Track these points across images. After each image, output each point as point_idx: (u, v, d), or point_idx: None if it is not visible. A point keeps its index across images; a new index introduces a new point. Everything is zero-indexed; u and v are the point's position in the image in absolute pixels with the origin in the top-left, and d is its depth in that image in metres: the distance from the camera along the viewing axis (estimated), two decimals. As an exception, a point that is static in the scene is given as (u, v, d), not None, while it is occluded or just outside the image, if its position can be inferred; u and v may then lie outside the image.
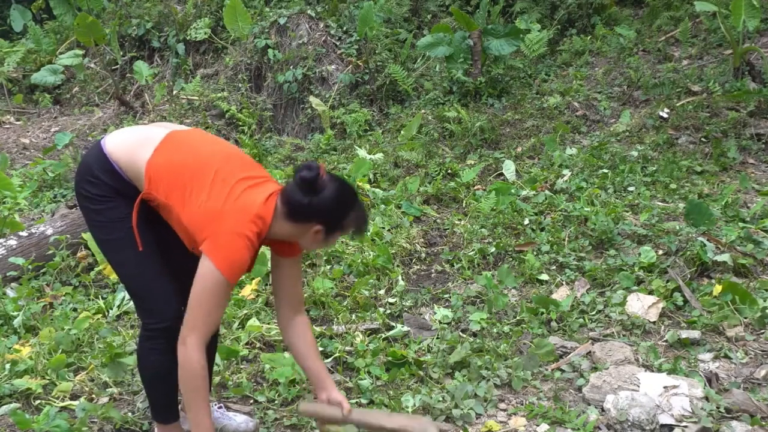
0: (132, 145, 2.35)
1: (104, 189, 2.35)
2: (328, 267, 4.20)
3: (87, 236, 4.33)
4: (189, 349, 2.22)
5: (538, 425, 2.79)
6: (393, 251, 4.37)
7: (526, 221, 4.75)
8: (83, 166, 2.39)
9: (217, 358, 3.22)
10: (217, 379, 3.13)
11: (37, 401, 2.98)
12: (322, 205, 2.28)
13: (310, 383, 2.62)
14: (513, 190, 5.17)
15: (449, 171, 5.77)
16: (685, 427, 2.66)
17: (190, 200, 2.26)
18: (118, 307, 3.83)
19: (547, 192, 5.17)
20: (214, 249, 2.20)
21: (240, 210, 2.24)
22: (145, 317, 2.43)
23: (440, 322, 3.65)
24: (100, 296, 4.01)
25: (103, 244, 2.44)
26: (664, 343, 3.37)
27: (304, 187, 2.26)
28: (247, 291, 3.93)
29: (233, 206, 2.24)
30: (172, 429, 2.57)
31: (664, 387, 2.82)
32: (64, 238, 4.25)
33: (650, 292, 3.75)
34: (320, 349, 3.34)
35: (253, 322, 3.54)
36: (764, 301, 3.60)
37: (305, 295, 3.83)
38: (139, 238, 2.34)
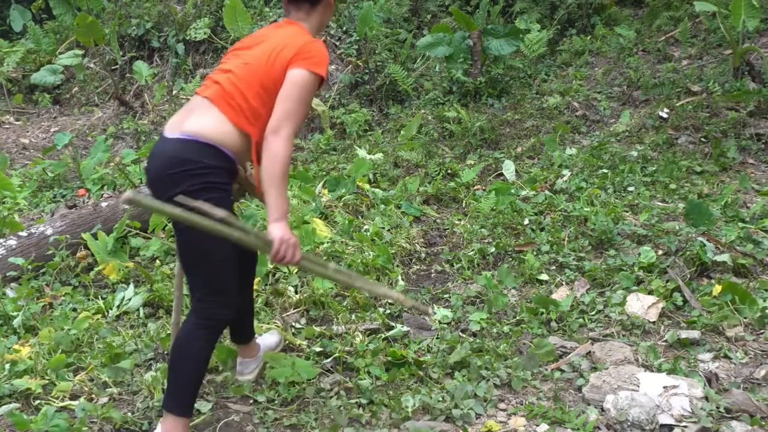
0: (210, 120, 2.49)
1: (224, 174, 2.48)
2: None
3: (87, 236, 4.33)
4: (283, 138, 2.40)
5: (537, 425, 2.79)
6: (393, 251, 4.37)
7: (526, 221, 4.75)
8: (192, 162, 2.41)
9: (216, 359, 3.23)
10: (219, 378, 3.13)
11: (37, 401, 2.97)
12: None
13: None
14: (513, 190, 5.17)
15: (449, 171, 5.77)
16: (685, 427, 2.66)
17: (267, 64, 2.52)
18: (118, 307, 3.83)
19: (546, 192, 5.17)
20: (302, 62, 2.49)
21: (292, 35, 2.58)
22: (216, 308, 2.51)
23: (440, 322, 3.65)
24: (99, 296, 4.01)
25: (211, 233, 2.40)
26: (663, 343, 3.37)
27: None
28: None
29: (287, 39, 2.56)
30: (182, 424, 2.54)
31: (664, 387, 2.82)
32: (63, 238, 4.25)
33: (650, 292, 3.75)
34: (320, 349, 3.34)
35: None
36: (764, 301, 3.59)
37: (305, 295, 3.84)
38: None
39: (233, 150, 2.48)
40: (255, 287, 3.91)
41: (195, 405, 2.70)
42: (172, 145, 2.45)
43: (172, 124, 2.52)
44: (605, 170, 5.52)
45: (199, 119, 2.49)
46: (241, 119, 2.48)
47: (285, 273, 4.15)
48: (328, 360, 3.28)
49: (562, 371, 3.16)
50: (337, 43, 7.58)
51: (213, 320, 2.49)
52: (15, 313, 3.66)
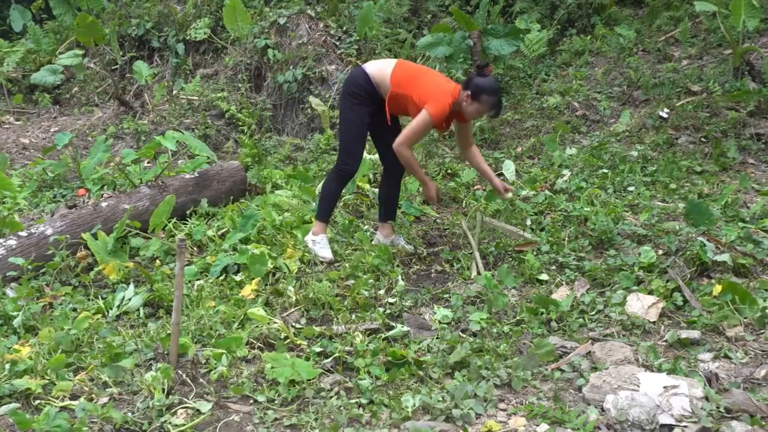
0: (380, 69, 4.21)
1: (362, 91, 4.22)
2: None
3: (87, 236, 4.34)
4: (407, 150, 4.14)
5: (538, 425, 2.79)
6: (393, 251, 4.37)
7: (527, 221, 4.75)
8: (353, 78, 4.29)
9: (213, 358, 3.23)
10: (214, 376, 3.14)
11: (37, 401, 2.97)
12: (473, 81, 4.07)
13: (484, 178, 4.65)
14: (513, 190, 5.17)
15: (449, 171, 5.77)
16: (685, 427, 2.66)
17: (418, 88, 4.10)
18: (118, 307, 3.83)
19: (547, 192, 5.17)
20: (431, 106, 4.03)
21: (445, 91, 4.10)
22: (342, 160, 4.33)
23: (440, 322, 3.65)
24: (99, 296, 4.01)
25: (346, 120, 4.30)
26: (664, 343, 3.37)
27: (477, 70, 4.13)
28: (247, 291, 3.93)
29: (441, 89, 4.11)
30: (322, 226, 4.37)
31: (664, 387, 2.82)
32: (63, 238, 4.25)
33: (650, 292, 3.75)
34: (320, 349, 3.34)
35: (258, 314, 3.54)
36: (764, 301, 3.59)
37: (309, 294, 3.84)
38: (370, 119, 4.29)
39: (376, 82, 4.19)
40: (255, 287, 3.93)
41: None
42: (355, 71, 4.32)
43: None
44: (605, 170, 5.53)
45: (374, 65, 4.29)
46: (395, 80, 4.15)
47: (285, 273, 4.15)
48: (328, 360, 3.28)
49: (562, 371, 3.16)
50: (337, 43, 7.58)
51: (340, 169, 4.35)
52: (15, 313, 3.66)
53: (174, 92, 7.80)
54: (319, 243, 4.32)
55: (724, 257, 3.92)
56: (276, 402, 2.98)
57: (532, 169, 5.71)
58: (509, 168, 5.67)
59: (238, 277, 4.11)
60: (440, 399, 2.91)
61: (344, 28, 7.70)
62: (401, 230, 4.67)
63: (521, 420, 2.82)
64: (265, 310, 3.70)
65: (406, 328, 3.53)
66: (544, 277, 4.08)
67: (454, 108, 4.10)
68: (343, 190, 5.23)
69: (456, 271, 4.27)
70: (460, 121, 4.31)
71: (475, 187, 5.51)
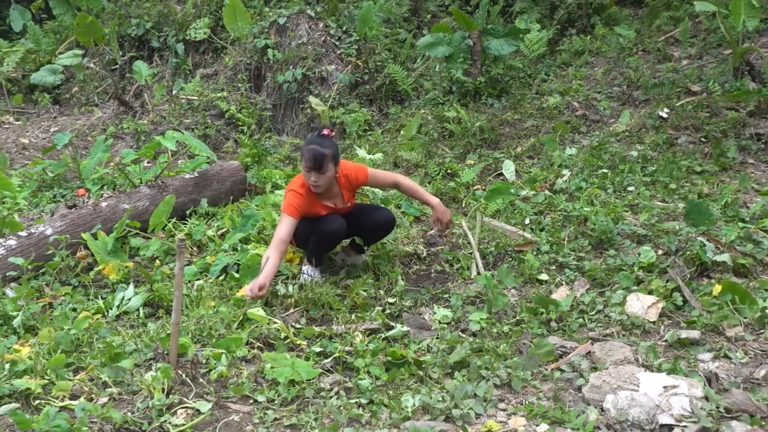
0: None
1: None
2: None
3: (86, 236, 4.34)
4: (272, 253, 3.75)
5: (537, 425, 2.79)
6: (392, 251, 4.37)
7: (526, 221, 4.75)
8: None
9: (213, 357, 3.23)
10: (214, 376, 3.14)
11: (37, 401, 2.97)
12: None
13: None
14: (513, 190, 5.17)
15: (449, 171, 5.77)
16: (685, 427, 2.66)
17: None
18: (118, 307, 3.83)
19: (546, 192, 5.17)
20: (282, 204, 3.95)
21: (295, 180, 4.00)
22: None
23: (440, 322, 3.65)
24: (99, 296, 4.01)
25: None
26: (663, 343, 3.37)
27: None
28: (246, 291, 3.92)
29: (295, 180, 4.01)
30: (314, 267, 4.12)
31: (664, 387, 2.82)
32: (63, 238, 4.25)
33: (650, 292, 3.75)
34: (320, 349, 3.34)
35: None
36: (764, 301, 3.59)
37: (310, 296, 3.85)
38: None
39: None
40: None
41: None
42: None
43: None
44: (605, 170, 5.52)
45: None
46: None
47: (286, 274, 4.15)
48: (328, 360, 3.28)
49: (562, 371, 3.16)
50: (337, 43, 7.58)
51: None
52: (15, 313, 3.66)
53: (174, 92, 7.80)
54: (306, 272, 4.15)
55: (724, 257, 3.92)
56: (276, 402, 2.98)
57: (531, 169, 5.71)
58: (509, 168, 5.67)
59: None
60: (440, 399, 2.91)
61: (344, 28, 7.70)
62: (400, 230, 4.66)
63: (521, 420, 2.82)
64: (265, 310, 3.70)
65: (405, 328, 3.53)
66: (544, 277, 4.08)
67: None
68: None
69: (456, 271, 4.27)
70: (358, 184, 4.15)
71: (475, 187, 5.51)
